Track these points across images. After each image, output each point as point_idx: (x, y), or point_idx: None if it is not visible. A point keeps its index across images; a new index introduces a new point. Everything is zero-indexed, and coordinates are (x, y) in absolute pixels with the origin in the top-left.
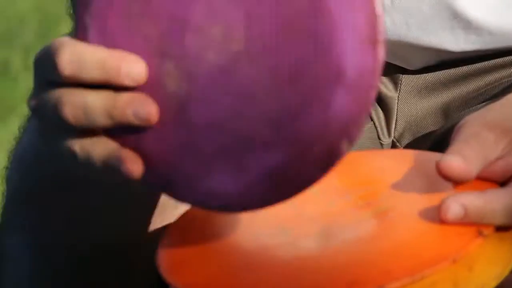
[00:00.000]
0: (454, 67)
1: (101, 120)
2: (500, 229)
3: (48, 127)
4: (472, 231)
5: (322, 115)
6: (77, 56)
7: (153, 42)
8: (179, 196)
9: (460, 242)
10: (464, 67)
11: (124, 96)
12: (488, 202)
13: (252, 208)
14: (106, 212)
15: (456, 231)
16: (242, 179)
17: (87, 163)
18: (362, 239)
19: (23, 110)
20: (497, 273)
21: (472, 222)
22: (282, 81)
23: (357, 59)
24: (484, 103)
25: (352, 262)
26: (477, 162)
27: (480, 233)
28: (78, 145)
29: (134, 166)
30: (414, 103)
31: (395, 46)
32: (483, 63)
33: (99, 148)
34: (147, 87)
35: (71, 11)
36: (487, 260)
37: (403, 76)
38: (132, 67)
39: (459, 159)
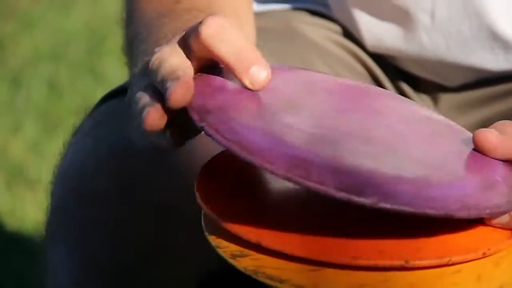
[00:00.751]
0: (492, 85)
1: (155, 76)
2: None
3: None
4: (507, 231)
5: None
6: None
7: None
8: None
9: (493, 239)
10: (503, 85)
11: (179, 69)
12: None
13: None
14: (147, 224)
15: (492, 229)
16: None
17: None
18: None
19: (68, 125)
20: None
21: None
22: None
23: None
24: None
25: (387, 234)
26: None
27: None
28: (137, 88)
29: (155, 114)
30: (453, 120)
31: (434, 64)
32: None
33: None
34: None
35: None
36: None
37: (442, 93)
38: (262, 73)
39: (496, 133)
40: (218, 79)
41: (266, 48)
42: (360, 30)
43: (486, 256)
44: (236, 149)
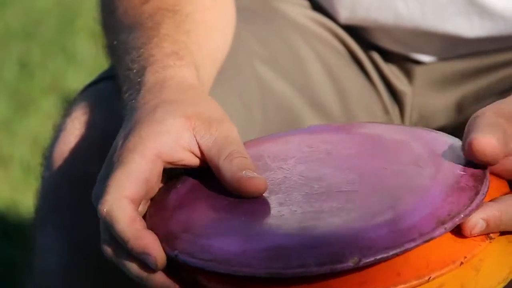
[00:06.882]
0: (467, 61)
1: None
2: (508, 232)
3: None
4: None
5: None
6: None
7: None
8: None
9: (468, 246)
10: (477, 61)
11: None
12: (504, 211)
13: None
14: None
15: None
16: None
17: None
18: None
19: (41, 104)
20: (504, 276)
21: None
22: None
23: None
24: (496, 98)
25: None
26: (502, 147)
27: (487, 237)
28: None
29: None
30: (428, 97)
31: (409, 35)
32: (496, 57)
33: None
34: None
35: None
36: (494, 262)
37: (416, 68)
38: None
39: (492, 137)
40: (172, 198)
41: (248, 30)
42: (334, 2)
43: (465, 264)
44: (215, 266)
